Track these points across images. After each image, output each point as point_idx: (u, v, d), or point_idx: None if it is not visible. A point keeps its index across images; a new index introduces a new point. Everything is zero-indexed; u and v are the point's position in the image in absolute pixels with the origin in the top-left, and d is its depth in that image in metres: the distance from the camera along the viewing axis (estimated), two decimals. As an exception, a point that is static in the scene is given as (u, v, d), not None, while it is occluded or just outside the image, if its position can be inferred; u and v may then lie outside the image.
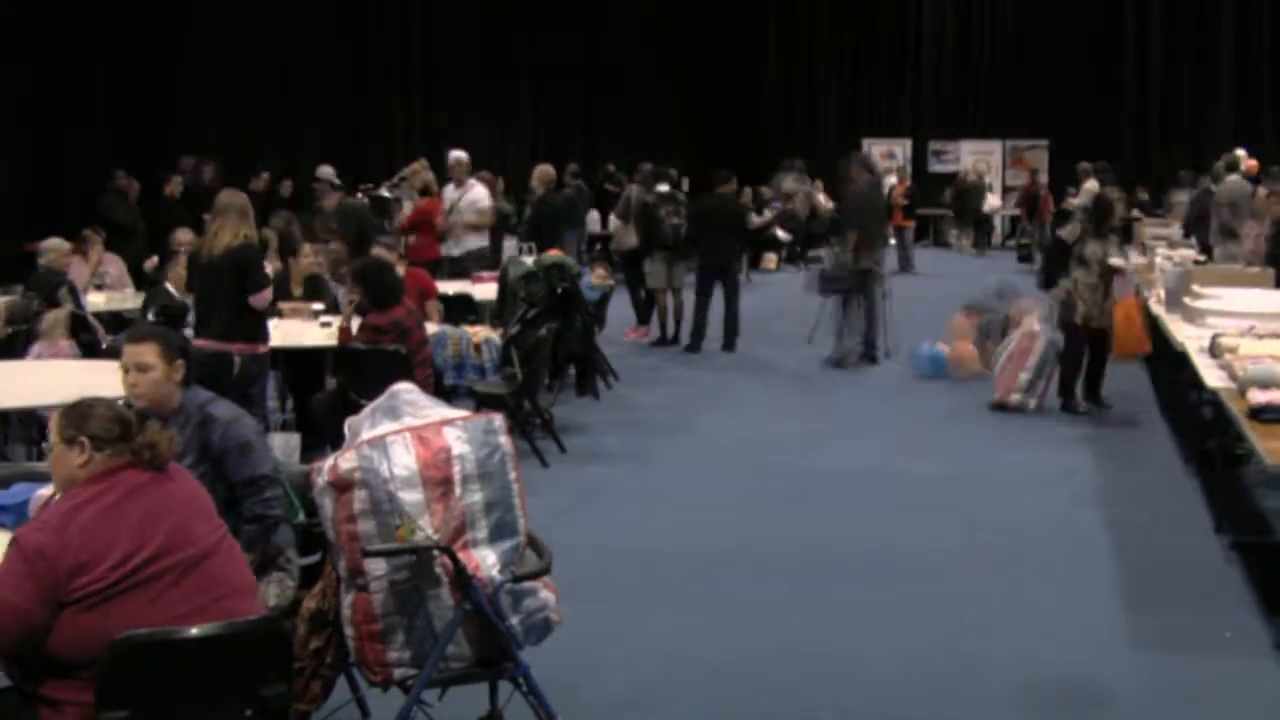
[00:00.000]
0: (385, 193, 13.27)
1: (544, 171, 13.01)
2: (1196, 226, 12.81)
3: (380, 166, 14.65)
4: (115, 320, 9.22)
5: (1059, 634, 5.43)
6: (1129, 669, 5.12)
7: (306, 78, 17.88)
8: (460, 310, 9.65)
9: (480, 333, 8.84)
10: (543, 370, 8.68)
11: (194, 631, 3.20)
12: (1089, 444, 8.73)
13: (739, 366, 11.88)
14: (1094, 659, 5.21)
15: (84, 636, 3.14)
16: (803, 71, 26.57)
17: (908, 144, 25.05)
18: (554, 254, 10.21)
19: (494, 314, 9.67)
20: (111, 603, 3.15)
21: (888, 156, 24.04)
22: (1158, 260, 11.01)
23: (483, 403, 8.03)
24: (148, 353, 4.39)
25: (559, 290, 9.18)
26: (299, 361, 8.30)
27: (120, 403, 3.65)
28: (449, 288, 10.12)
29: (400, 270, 8.47)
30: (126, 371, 4.41)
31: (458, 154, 12.66)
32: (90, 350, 8.05)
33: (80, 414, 3.41)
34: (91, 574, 3.15)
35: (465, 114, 20.47)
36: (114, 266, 10.30)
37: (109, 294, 9.85)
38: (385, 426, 3.70)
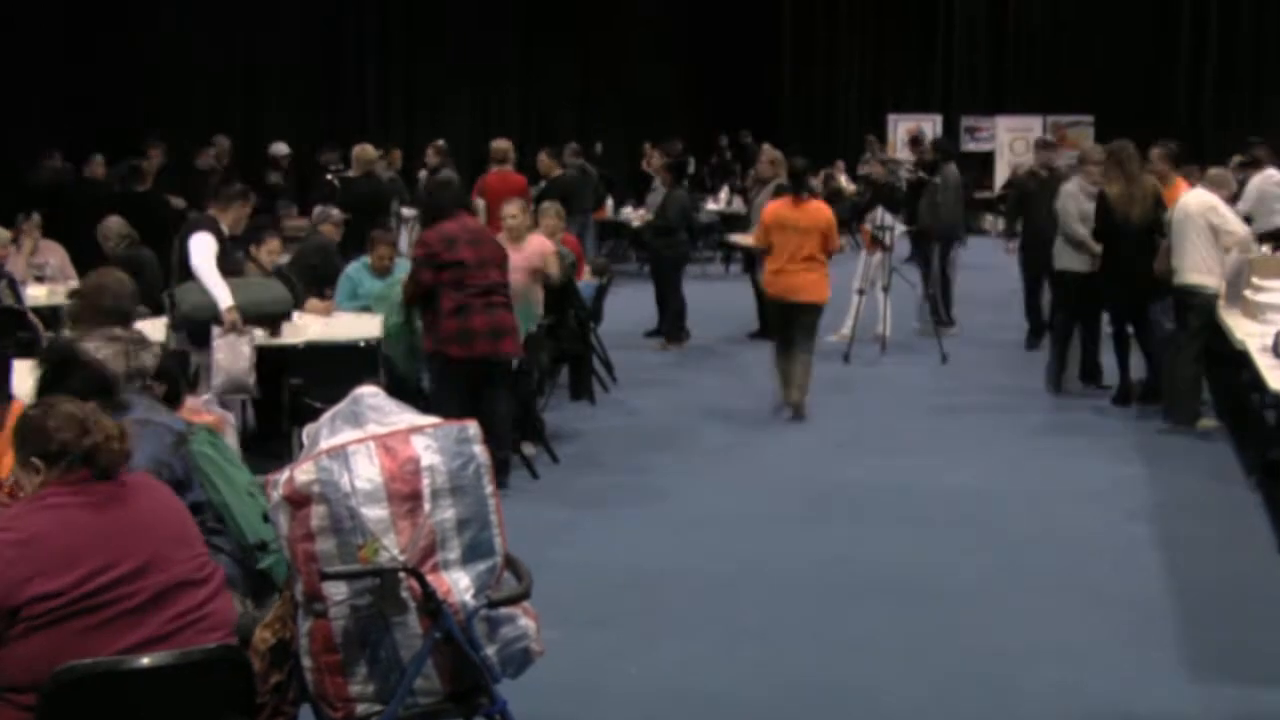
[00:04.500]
0: (353, 172, 13.34)
1: (361, 151, 12.87)
2: None
3: (351, 145, 14.62)
4: (56, 316, 9.15)
5: (1104, 661, 5.40)
6: (1181, 699, 5.09)
7: (273, 45, 17.91)
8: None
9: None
10: (533, 371, 8.63)
11: (144, 661, 3.21)
12: (1139, 451, 8.67)
13: (748, 368, 11.82)
14: (1142, 688, 5.18)
15: (30, 656, 3.14)
16: (821, 41, 26.49)
17: (938, 120, 24.95)
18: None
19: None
20: (66, 623, 3.16)
21: (915, 133, 23.98)
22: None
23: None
24: None
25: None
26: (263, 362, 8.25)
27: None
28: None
29: None
30: None
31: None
32: (29, 350, 7.99)
33: (23, 431, 3.39)
34: (51, 584, 3.15)
35: (446, 89, 20.48)
36: (54, 256, 10.23)
37: (50, 286, 9.79)
38: (346, 434, 3.65)
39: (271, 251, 8.76)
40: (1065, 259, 10.14)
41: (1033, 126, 24.51)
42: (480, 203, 12.83)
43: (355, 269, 9.23)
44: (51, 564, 3.18)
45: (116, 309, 6.32)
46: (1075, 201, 10.08)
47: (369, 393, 3.81)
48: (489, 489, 3.69)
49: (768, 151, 13.27)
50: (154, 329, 8.01)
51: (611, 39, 23.35)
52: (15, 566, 3.16)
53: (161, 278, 9.51)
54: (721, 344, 12.80)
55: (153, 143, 13.37)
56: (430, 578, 3.56)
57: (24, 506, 3.32)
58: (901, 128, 24.20)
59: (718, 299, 14.53)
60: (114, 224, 9.45)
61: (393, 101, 20.42)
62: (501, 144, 13.42)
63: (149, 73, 15.80)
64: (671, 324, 12.59)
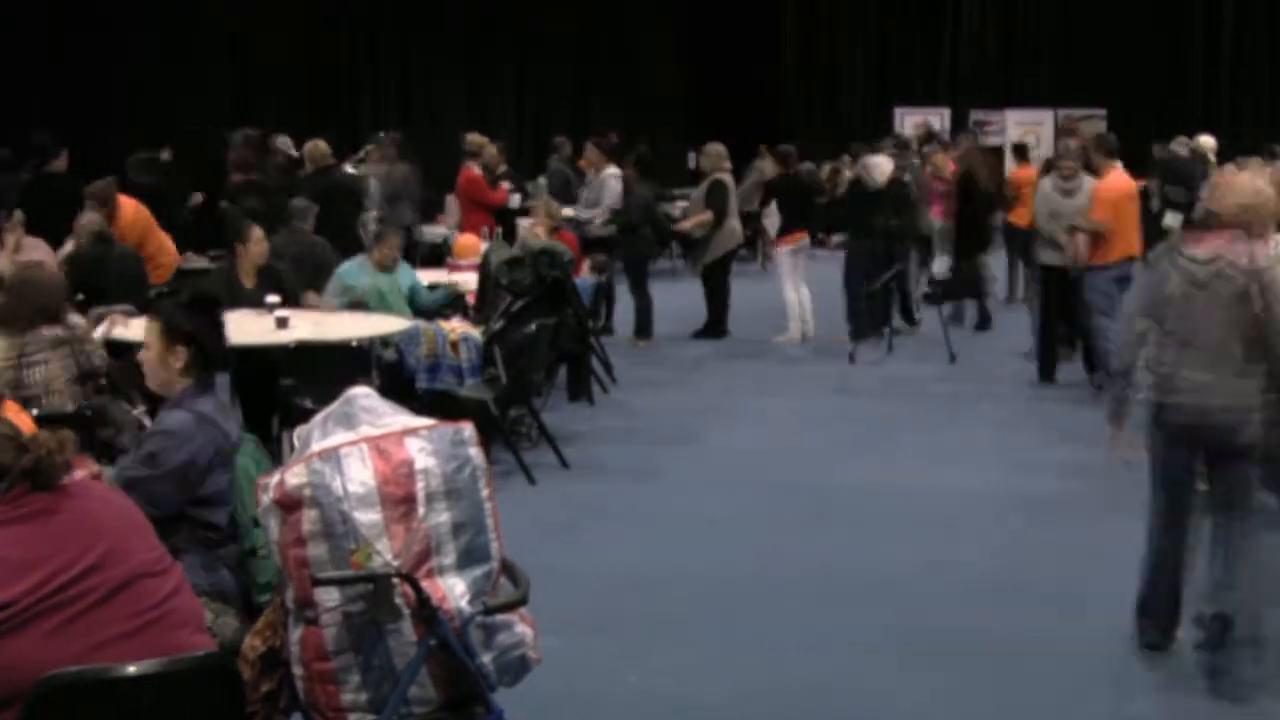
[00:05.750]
0: (350, 168, 13.34)
1: (313, 148, 12.88)
2: None
3: (344, 140, 14.65)
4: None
5: (1118, 672, 5.40)
6: (1191, 707, 5.10)
7: (256, 38, 17.93)
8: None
9: (458, 328, 8.80)
10: (530, 372, 8.62)
11: (131, 670, 3.19)
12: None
13: (752, 368, 11.84)
14: (1151, 695, 5.18)
15: (3, 666, 3.12)
16: (824, 33, 26.42)
17: (946, 113, 24.90)
18: (544, 238, 10.17)
19: (474, 307, 9.64)
20: (29, 627, 3.14)
21: (923, 127, 23.94)
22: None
23: (459, 409, 7.99)
24: (149, 329, 4.51)
25: (548, 280, 9.13)
26: (248, 362, 8.23)
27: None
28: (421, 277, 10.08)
29: None
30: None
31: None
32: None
33: None
34: (5, 594, 3.13)
35: (443, 88, 20.48)
36: (38, 253, 10.18)
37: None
38: (339, 437, 3.64)
39: (259, 243, 8.74)
40: (1045, 255, 10.60)
41: (1043, 120, 24.47)
42: (449, 198, 12.80)
43: (349, 269, 9.21)
44: (3, 577, 3.17)
45: (47, 307, 6.32)
46: (1046, 201, 10.54)
47: (362, 394, 3.80)
48: (485, 492, 3.68)
49: (713, 146, 13.34)
50: (141, 328, 8.03)
51: (611, 37, 23.35)
52: None
53: (140, 273, 9.53)
54: (722, 344, 12.81)
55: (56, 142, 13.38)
56: (425, 583, 3.55)
57: None
58: (908, 121, 24.16)
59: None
60: (91, 221, 9.44)
61: (388, 101, 20.46)
62: (474, 137, 13.41)
63: (134, 70, 15.86)
64: (637, 321, 12.70)
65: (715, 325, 13.15)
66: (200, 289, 6.96)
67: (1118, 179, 10.22)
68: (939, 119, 24.62)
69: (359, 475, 3.55)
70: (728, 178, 13.10)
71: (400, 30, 20.71)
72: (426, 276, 10.07)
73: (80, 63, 15.60)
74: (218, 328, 4.62)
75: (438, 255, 12.75)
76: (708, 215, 12.76)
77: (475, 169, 13.28)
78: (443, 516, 3.60)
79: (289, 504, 3.57)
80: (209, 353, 4.51)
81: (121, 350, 7.45)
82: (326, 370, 7.42)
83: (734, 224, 13.11)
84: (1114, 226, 9.96)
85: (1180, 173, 12.87)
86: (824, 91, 26.23)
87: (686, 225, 13.09)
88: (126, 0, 16.20)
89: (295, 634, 3.64)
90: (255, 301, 8.30)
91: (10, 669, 3.12)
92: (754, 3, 25.33)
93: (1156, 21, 24.30)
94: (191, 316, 4.53)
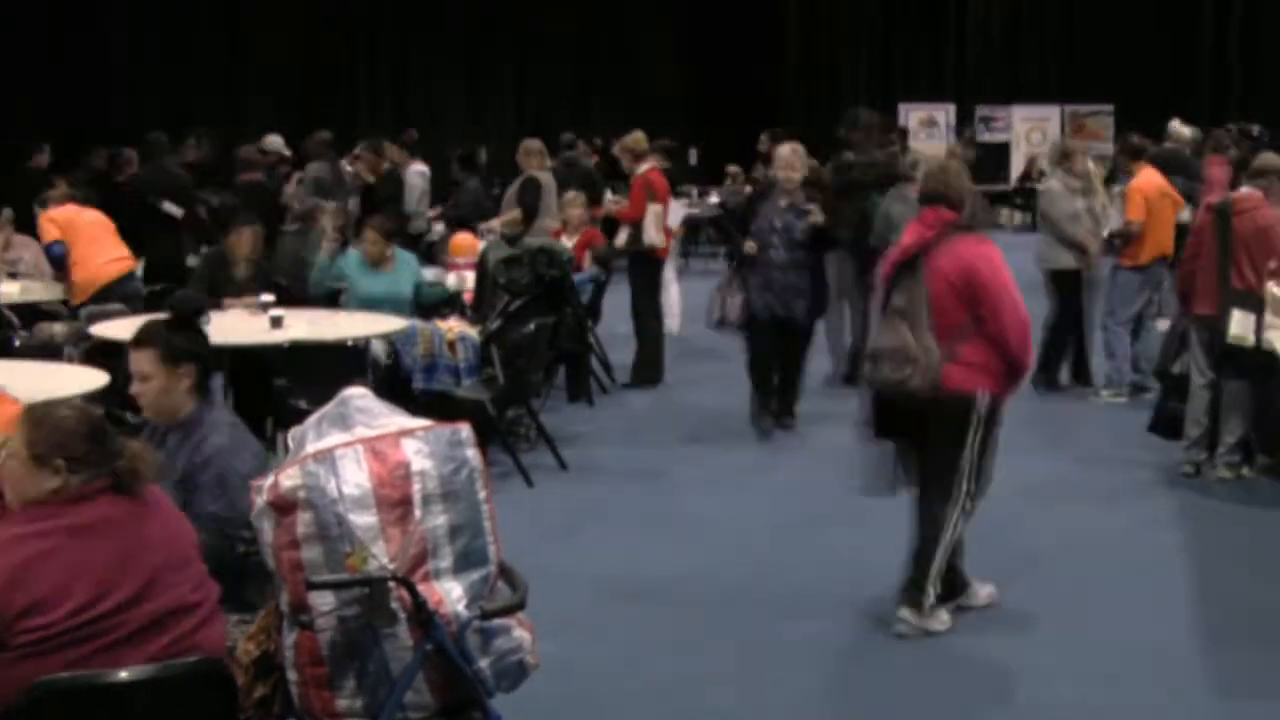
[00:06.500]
0: (347, 166, 13.37)
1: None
2: None
3: (340, 140, 14.62)
4: (33, 313, 9.13)
5: (1125, 676, 5.38)
6: (1205, 717, 5.05)
7: (255, 38, 17.94)
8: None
9: (455, 328, 8.77)
10: (530, 372, 8.59)
11: (123, 675, 3.20)
12: (1160, 456, 8.63)
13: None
14: (1165, 705, 5.14)
15: (21, 680, 3.12)
16: (825, 30, 26.41)
17: (951, 109, 24.89)
18: (541, 236, 10.17)
19: (472, 306, 9.61)
20: (52, 655, 3.16)
21: (928, 124, 23.94)
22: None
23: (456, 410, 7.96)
24: (144, 360, 4.34)
25: (546, 279, 9.11)
26: (241, 361, 8.21)
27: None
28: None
29: None
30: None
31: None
32: (3, 349, 7.99)
33: (53, 428, 3.37)
34: (44, 617, 3.15)
35: (443, 88, 20.49)
36: (28, 251, 10.20)
37: (24, 283, 9.75)
38: (334, 438, 3.63)
39: (252, 234, 8.71)
40: (1061, 259, 10.17)
41: (1050, 116, 24.45)
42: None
43: (347, 259, 9.08)
44: (46, 595, 3.16)
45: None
46: (1064, 201, 10.15)
47: (357, 394, 3.78)
48: (482, 494, 3.66)
49: (531, 142, 13.02)
50: (133, 326, 8.00)
51: (611, 37, 23.39)
52: (6, 594, 3.15)
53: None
54: (721, 343, 12.75)
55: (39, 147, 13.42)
56: (421, 587, 3.53)
57: (24, 527, 3.29)
58: (913, 117, 24.16)
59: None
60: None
61: (384, 101, 20.48)
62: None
63: (134, 70, 15.87)
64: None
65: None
66: (177, 300, 6.85)
67: (1149, 177, 10.11)
68: (944, 114, 24.62)
69: (354, 477, 3.53)
70: (544, 176, 12.28)
71: (400, 30, 20.72)
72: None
73: (80, 63, 15.61)
74: (204, 334, 4.57)
75: (433, 254, 12.72)
76: (516, 213, 11.96)
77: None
78: (439, 519, 3.58)
79: (283, 506, 3.55)
80: (209, 364, 4.47)
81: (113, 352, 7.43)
82: (321, 370, 7.40)
83: (547, 223, 11.86)
84: (1148, 226, 9.83)
85: (1177, 164, 12.62)
86: (825, 91, 26.21)
87: (495, 224, 12.10)
88: (126, 0, 16.23)
89: (289, 638, 3.62)
90: (242, 288, 8.29)
91: (29, 685, 3.11)
92: (754, 2, 25.33)
93: (1162, 16, 24.31)
94: (184, 332, 4.47)
